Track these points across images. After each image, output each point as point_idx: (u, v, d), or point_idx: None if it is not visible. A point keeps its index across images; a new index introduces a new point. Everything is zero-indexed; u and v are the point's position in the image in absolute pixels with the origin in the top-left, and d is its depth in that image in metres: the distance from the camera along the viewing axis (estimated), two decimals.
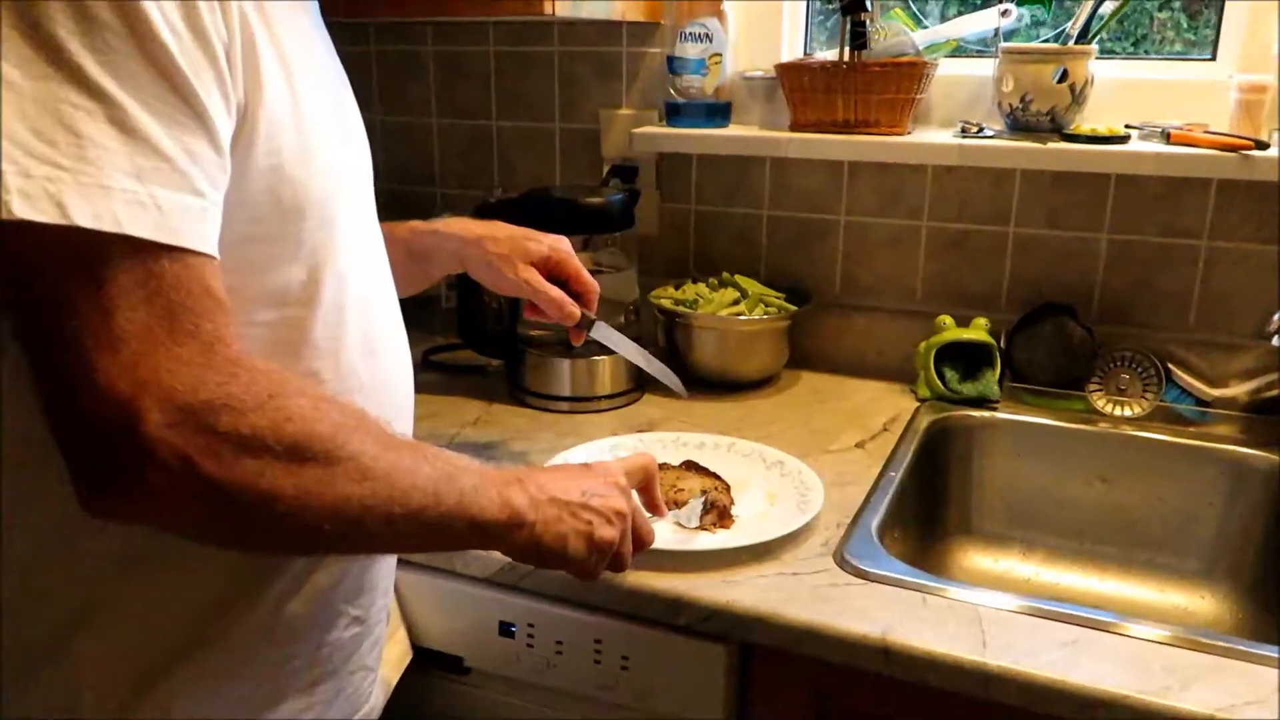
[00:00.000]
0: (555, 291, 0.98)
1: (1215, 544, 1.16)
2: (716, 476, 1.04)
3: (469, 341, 1.34)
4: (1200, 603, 1.15)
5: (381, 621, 0.85)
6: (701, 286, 1.41)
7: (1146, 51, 1.36)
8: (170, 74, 0.55)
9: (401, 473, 0.64)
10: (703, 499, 0.97)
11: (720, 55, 1.37)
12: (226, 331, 0.57)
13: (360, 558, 0.77)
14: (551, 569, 0.78)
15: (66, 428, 0.55)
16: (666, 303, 1.37)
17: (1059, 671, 0.76)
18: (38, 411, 0.55)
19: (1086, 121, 1.25)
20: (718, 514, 0.97)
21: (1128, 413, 1.23)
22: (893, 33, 1.29)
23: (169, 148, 0.55)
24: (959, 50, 1.34)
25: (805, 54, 1.46)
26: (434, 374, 1.43)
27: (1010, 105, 1.25)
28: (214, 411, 0.54)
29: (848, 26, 1.25)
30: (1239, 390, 1.23)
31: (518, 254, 0.98)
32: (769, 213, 1.45)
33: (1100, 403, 1.24)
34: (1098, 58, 1.24)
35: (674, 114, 1.39)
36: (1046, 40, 1.35)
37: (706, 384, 1.35)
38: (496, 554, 0.74)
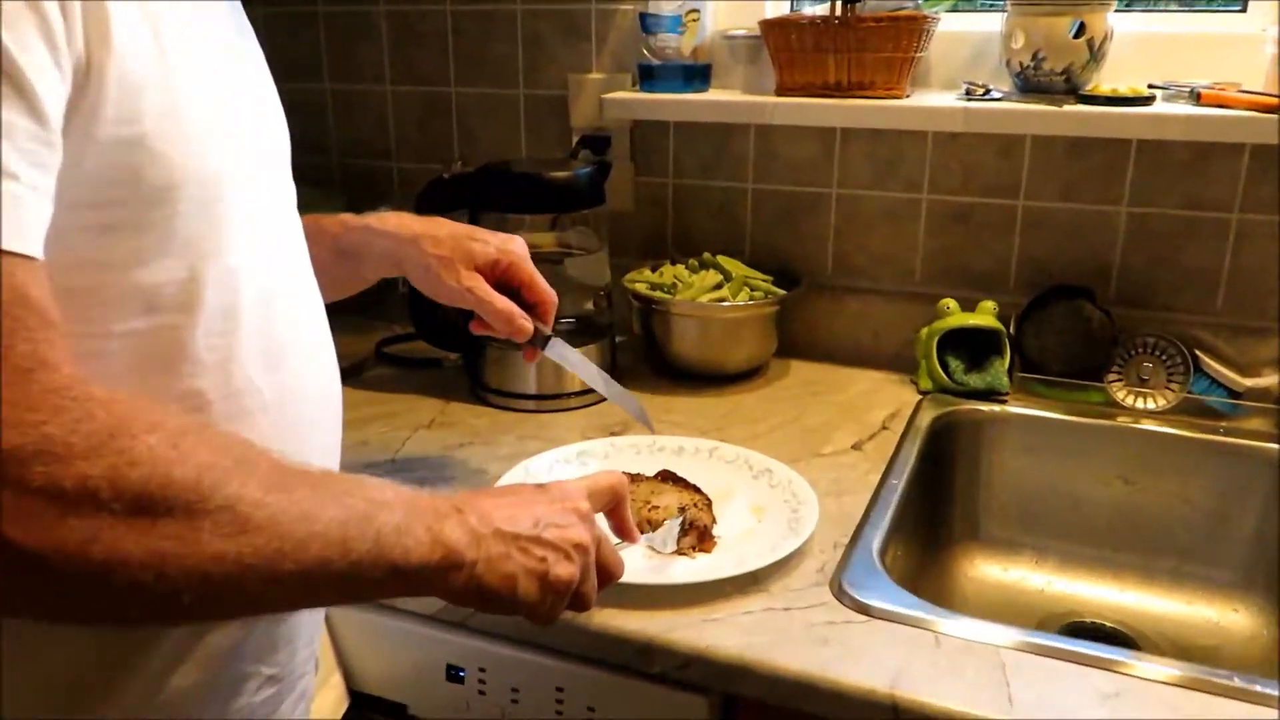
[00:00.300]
0: (503, 303, 0.85)
1: (1249, 551, 1.05)
2: (696, 489, 0.92)
3: (423, 333, 1.21)
4: (1233, 617, 1.04)
5: (307, 673, 0.73)
6: (681, 269, 1.28)
7: (1171, 3, 1.23)
8: None
9: (294, 519, 0.51)
10: (680, 519, 0.85)
11: (698, 12, 1.23)
12: (51, 352, 0.44)
13: None
14: (499, 614, 0.66)
15: None
16: (642, 287, 1.24)
17: None
18: None
19: (1105, 81, 1.12)
20: (697, 535, 0.85)
21: (1151, 405, 1.11)
22: None
23: None
24: (962, 3, 1.21)
25: (792, 10, 1.33)
26: (388, 368, 1.30)
27: (1020, 64, 1.12)
28: (23, 461, 0.42)
29: None
30: (1274, 380, 1.11)
31: (460, 256, 0.85)
32: (754, 186, 1.33)
33: (1120, 394, 1.12)
34: (1118, 10, 1.11)
35: (648, 77, 1.26)
36: None
37: (687, 376, 1.23)
38: None
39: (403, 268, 0.87)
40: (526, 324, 0.86)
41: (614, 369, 1.23)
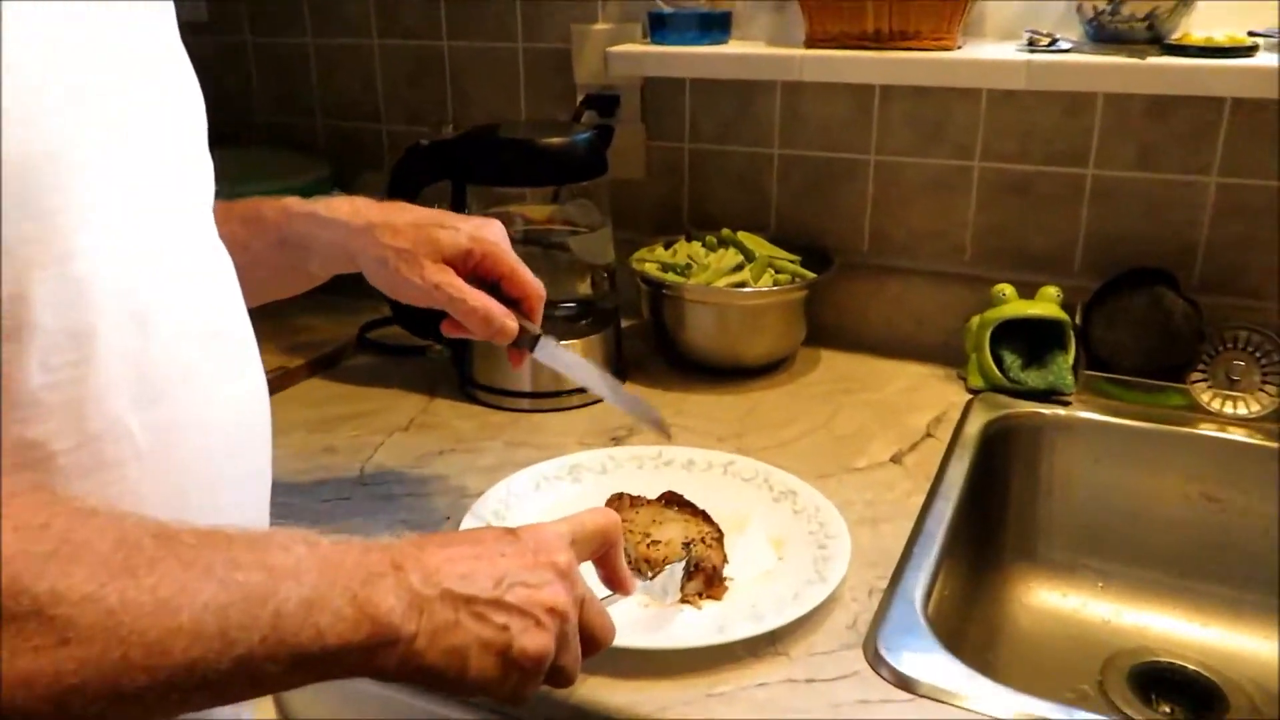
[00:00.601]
0: (478, 299, 0.70)
1: None
2: (705, 518, 0.78)
3: (401, 319, 1.07)
4: None
5: None
6: (697, 247, 1.13)
7: None
8: None
9: (144, 614, 0.38)
10: (684, 562, 0.71)
11: None
12: None
13: None
14: (449, 695, 0.52)
15: None
16: (651, 268, 1.09)
17: None
18: None
19: (1196, 28, 0.95)
20: (704, 579, 0.71)
21: (1241, 410, 0.96)
22: None
23: None
24: None
25: None
26: (370, 355, 1.17)
27: (1095, 9, 0.96)
28: None
29: None
30: None
31: (424, 248, 0.71)
32: (779, 151, 1.17)
33: (1205, 397, 0.97)
34: None
35: (659, 27, 1.10)
36: None
37: (702, 370, 1.08)
38: None
39: (356, 262, 0.73)
40: (510, 323, 0.72)
41: (619, 361, 1.09)
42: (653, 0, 1.10)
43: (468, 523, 0.76)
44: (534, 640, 0.52)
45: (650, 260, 1.11)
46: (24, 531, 0.37)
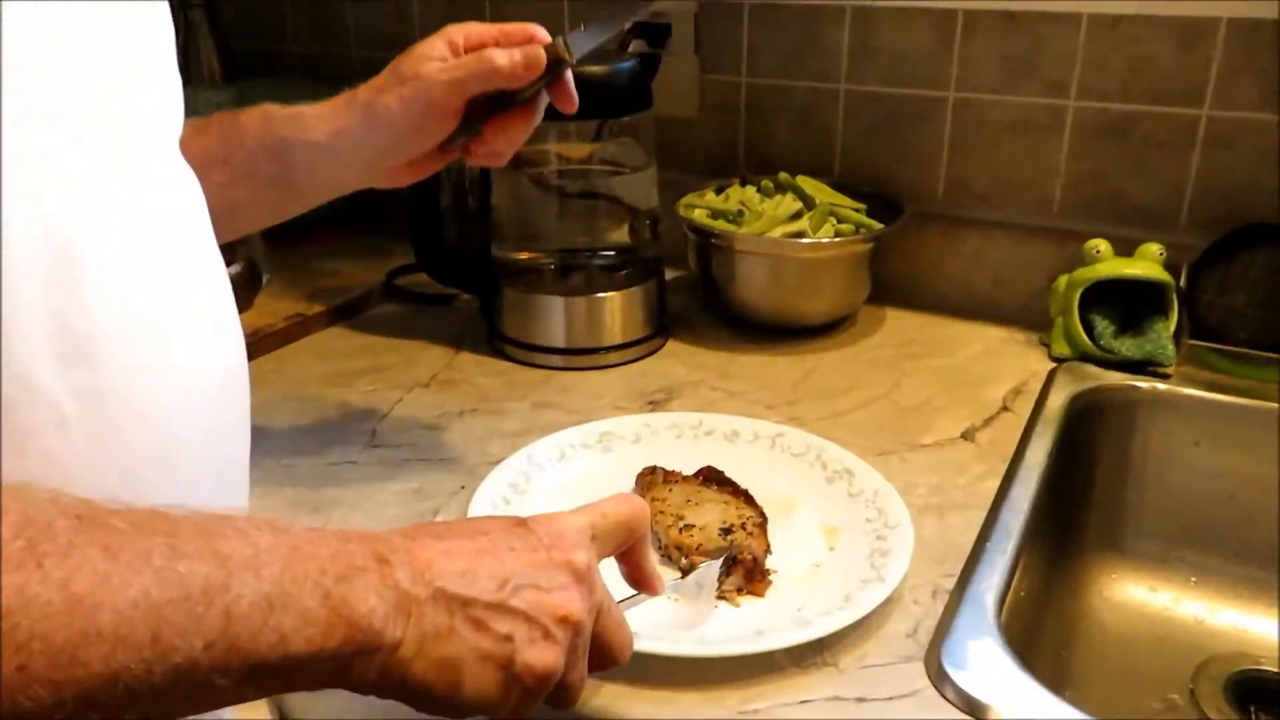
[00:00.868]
0: (500, 48, 0.67)
1: None
2: (748, 499, 0.69)
3: (425, 265, 0.99)
4: None
5: None
6: (751, 192, 1.03)
7: None
8: None
9: (53, 614, 0.31)
10: (720, 561, 0.62)
11: None
12: None
13: None
14: (438, 714, 0.45)
15: None
16: (700, 215, 0.99)
17: None
18: None
19: None
20: (744, 572, 0.62)
21: None
22: None
23: None
24: None
25: None
26: (397, 304, 1.09)
27: None
28: None
29: None
30: None
31: (419, 66, 0.67)
32: (846, 87, 1.05)
33: None
34: None
35: None
36: None
37: (754, 328, 0.99)
38: None
39: (356, 134, 0.66)
40: (541, 35, 0.69)
41: (661, 316, 0.99)
42: None
43: (477, 500, 0.67)
44: (541, 655, 0.44)
45: (699, 206, 1.01)
46: None
